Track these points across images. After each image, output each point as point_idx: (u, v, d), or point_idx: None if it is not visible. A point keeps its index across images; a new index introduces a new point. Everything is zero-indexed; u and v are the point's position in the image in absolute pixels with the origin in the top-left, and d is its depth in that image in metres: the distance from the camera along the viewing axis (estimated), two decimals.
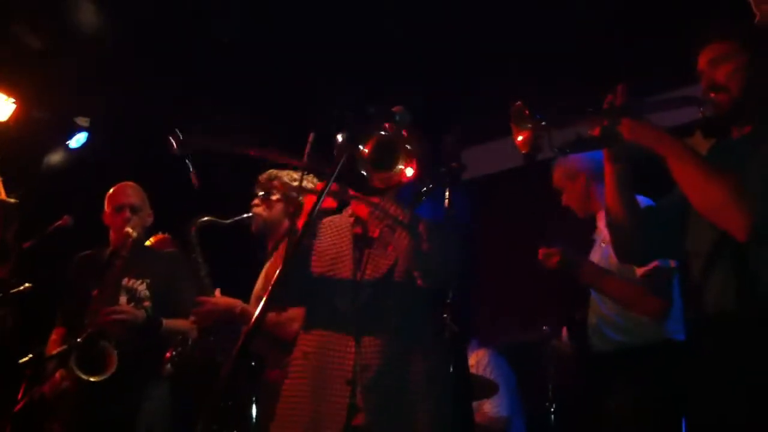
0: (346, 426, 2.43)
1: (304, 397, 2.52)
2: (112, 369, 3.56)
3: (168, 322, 3.76)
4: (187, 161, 3.07)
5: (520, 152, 2.34)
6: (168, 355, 3.65)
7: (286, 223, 3.52)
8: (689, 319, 3.22)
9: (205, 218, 3.66)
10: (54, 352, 3.71)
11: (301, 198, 3.37)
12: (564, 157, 3.42)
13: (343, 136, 2.46)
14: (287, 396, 2.59)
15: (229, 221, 3.66)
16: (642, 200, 2.71)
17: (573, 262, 3.24)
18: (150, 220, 4.10)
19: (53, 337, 3.93)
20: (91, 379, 3.54)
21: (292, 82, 5.29)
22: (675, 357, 3.19)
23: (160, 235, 4.32)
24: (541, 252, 3.25)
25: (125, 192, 4.05)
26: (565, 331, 3.92)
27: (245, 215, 3.63)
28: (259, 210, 3.61)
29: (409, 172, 2.48)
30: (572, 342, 3.83)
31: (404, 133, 2.52)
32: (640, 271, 3.18)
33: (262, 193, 3.60)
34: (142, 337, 3.72)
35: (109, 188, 4.12)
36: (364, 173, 2.47)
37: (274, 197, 3.59)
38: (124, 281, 3.90)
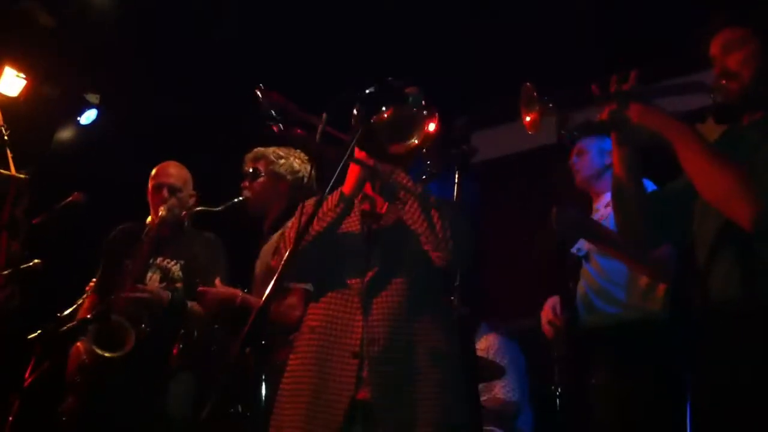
0: (352, 399, 2.44)
1: (309, 371, 2.52)
2: (130, 346, 3.57)
3: (194, 305, 3.71)
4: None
5: (528, 133, 2.35)
6: (175, 351, 3.64)
7: (278, 202, 3.49)
8: (695, 307, 3.22)
9: (198, 208, 3.64)
10: (65, 327, 3.72)
11: (289, 176, 3.39)
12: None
13: (358, 108, 2.47)
14: (292, 370, 2.60)
15: (221, 207, 3.63)
16: (647, 185, 2.72)
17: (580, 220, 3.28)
18: (192, 201, 4.01)
19: (85, 304, 3.95)
20: (107, 355, 3.55)
21: (303, 60, 5.28)
22: (668, 334, 3.20)
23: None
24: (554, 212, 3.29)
25: (166, 171, 3.99)
26: (557, 300, 3.77)
27: (236, 199, 3.59)
28: (249, 192, 3.57)
29: (432, 126, 2.52)
30: (564, 313, 3.76)
31: (423, 109, 2.55)
32: None
33: (251, 172, 3.57)
34: (168, 318, 3.71)
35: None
36: (381, 139, 2.49)
37: (261, 177, 3.55)
38: (159, 260, 3.89)
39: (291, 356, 2.64)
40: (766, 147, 2.10)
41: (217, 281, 3.41)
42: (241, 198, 3.58)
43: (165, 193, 3.91)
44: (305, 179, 3.53)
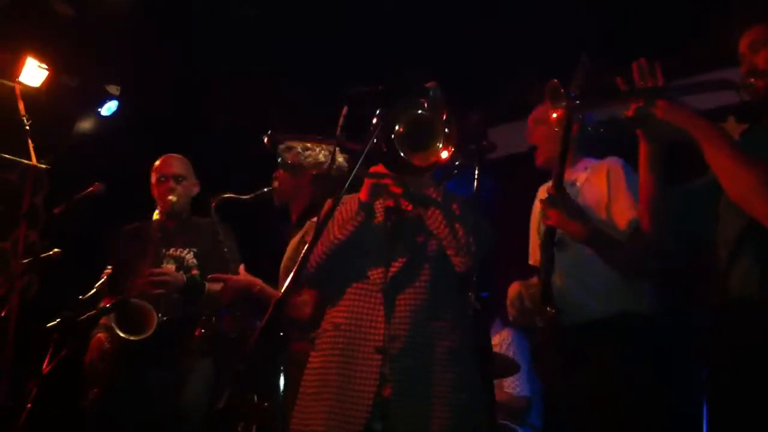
0: (376, 395, 2.45)
1: (334, 369, 2.54)
2: (152, 329, 3.61)
3: (211, 286, 3.74)
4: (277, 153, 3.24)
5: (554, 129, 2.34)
6: (197, 333, 3.66)
7: (303, 194, 3.50)
8: (714, 305, 3.16)
9: (225, 195, 3.67)
10: (84, 316, 3.75)
11: (315, 171, 3.38)
12: None
13: (377, 116, 2.42)
14: (316, 368, 2.61)
15: (249, 196, 3.63)
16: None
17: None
18: (196, 189, 4.13)
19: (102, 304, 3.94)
20: (131, 338, 3.58)
21: (322, 52, 5.28)
22: (653, 332, 3.04)
23: None
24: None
25: (169, 162, 4.11)
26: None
27: (265, 189, 3.60)
28: (278, 183, 3.57)
29: (445, 154, 2.49)
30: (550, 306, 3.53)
31: (441, 111, 2.52)
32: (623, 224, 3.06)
33: (280, 163, 3.56)
34: (187, 302, 3.76)
35: (140, 156, 4.15)
36: (402, 153, 2.47)
37: (288, 168, 3.53)
38: (171, 250, 3.95)
39: (313, 354, 2.65)
40: None
41: (242, 269, 3.43)
42: (269, 188, 3.60)
43: (171, 182, 4.01)
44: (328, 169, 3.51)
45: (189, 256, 3.94)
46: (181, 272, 3.84)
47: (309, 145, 3.49)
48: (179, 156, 4.17)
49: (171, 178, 4.03)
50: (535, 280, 3.14)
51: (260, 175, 3.71)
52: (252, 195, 3.64)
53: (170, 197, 3.96)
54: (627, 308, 2.94)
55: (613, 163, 3.03)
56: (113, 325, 3.61)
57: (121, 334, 3.59)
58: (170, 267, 3.88)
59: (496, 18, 4.93)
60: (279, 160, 3.54)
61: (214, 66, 5.47)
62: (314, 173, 3.48)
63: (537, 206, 3.24)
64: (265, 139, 2.87)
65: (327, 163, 3.42)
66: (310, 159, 3.50)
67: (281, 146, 3.55)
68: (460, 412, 2.50)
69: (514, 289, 3.26)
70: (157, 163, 4.13)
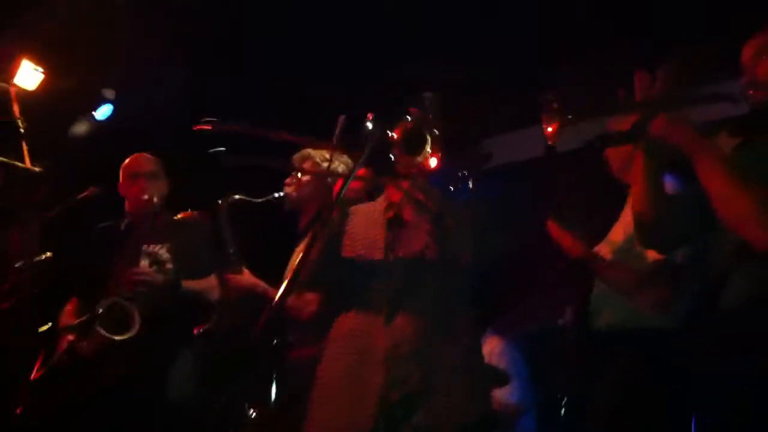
0: (380, 403, 2.47)
1: (338, 379, 2.56)
2: (136, 328, 3.58)
3: (187, 284, 3.78)
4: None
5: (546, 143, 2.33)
6: (196, 330, 3.65)
7: (316, 202, 3.51)
8: (705, 315, 3.18)
9: (236, 196, 3.67)
10: (75, 322, 3.73)
11: (330, 180, 3.39)
12: None
13: (372, 124, 2.48)
14: (321, 379, 2.63)
15: (260, 200, 3.66)
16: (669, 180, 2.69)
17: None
18: (164, 188, 4.12)
19: (68, 308, 3.96)
20: (116, 338, 3.55)
21: (321, 61, 5.27)
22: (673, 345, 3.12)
23: (187, 213, 4.32)
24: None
25: (139, 161, 4.11)
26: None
27: (276, 194, 3.63)
28: (290, 189, 3.61)
29: (433, 162, 2.51)
30: (576, 322, 3.70)
31: (431, 119, 2.54)
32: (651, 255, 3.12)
33: (296, 171, 3.59)
34: (164, 300, 3.75)
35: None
36: (392, 158, 2.50)
37: (305, 177, 3.58)
38: (144, 246, 3.93)
39: (318, 367, 2.67)
40: None
41: (245, 271, 3.46)
42: (281, 194, 3.62)
43: (143, 181, 4.00)
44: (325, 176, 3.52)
45: (162, 251, 3.92)
46: (160, 273, 3.82)
47: (327, 155, 3.49)
48: (148, 155, 4.16)
49: (143, 176, 4.02)
50: None
51: (261, 180, 3.71)
52: (263, 199, 3.65)
53: (144, 196, 3.94)
54: (652, 322, 3.06)
55: None
56: (98, 327, 3.58)
57: (107, 335, 3.55)
58: (144, 263, 3.87)
59: (494, 26, 4.94)
60: (294, 170, 3.57)
61: (210, 72, 5.45)
62: (330, 182, 3.49)
63: None
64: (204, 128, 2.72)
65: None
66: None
67: (298, 155, 3.57)
68: (467, 419, 2.51)
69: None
70: (127, 162, 4.13)
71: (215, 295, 3.77)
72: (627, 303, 3.21)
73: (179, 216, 4.20)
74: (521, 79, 4.77)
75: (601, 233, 3.49)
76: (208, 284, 3.84)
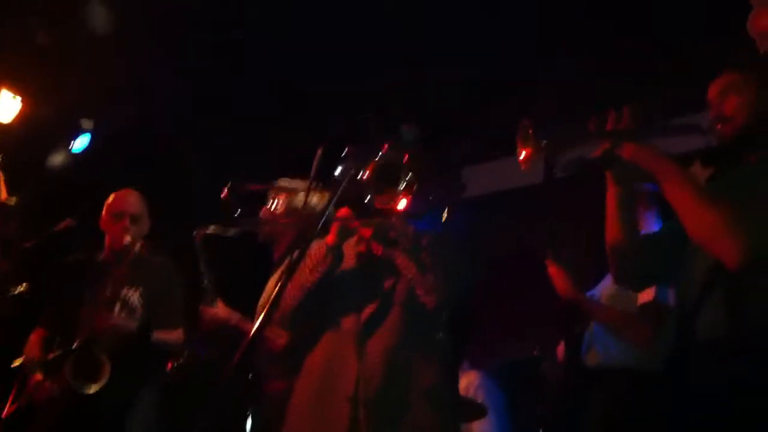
0: None
1: (304, 415, 2.54)
2: (105, 379, 3.53)
3: (157, 335, 3.74)
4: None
5: (522, 170, 2.35)
6: (169, 366, 3.62)
7: (290, 234, 3.51)
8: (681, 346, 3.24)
9: (211, 227, 3.65)
10: (43, 358, 3.69)
11: (304, 211, 3.39)
12: None
13: (342, 166, 2.48)
14: (289, 413, 2.61)
15: (234, 232, 3.61)
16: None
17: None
18: (146, 228, 4.04)
19: (33, 338, 3.86)
20: (85, 391, 3.50)
21: (301, 89, 5.29)
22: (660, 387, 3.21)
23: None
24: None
25: (126, 200, 3.99)
26: (562, 347, 3.84)
27: (250, 225, 3.57)
28: (265, 222, 3.56)
29: (402, 204, 2.52)
30: (568, 357, 3.77)
31: (406, 155, 2.55)
32: (641, 299, 3.24)
33: (271, 202, 3.57)
34: (133, 348, 3.70)
35: (111, 192, 4.09)
36: (368, 196, 2.50)
37: (280, 208, 3.56)
38: (117, 289, 3.83)
39: (289, 402, 2.65)
40: (758, 188, 2.11)
41: (219, 303, 3.43)
42: (254, 224, 3.57)
43: (126, 222, 3.91)
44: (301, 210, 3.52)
45: (135, 296, 3.86)
46: (133, 321, 3.78)
47: (301, 190, 3.48)
48: (135, 193, 4.06)
49: (127, 217, 3.92)
50: None
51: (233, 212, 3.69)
52: (237, 230, 3.61)
53: (126, 238, 3.86)
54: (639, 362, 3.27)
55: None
56: (68, 374, 3.52)
57: (77, 385, 3.51)
58: (116, 309, 3.79)
59: (474, 55, 4.97)
60: (271, 199, 3.55)
61: (191, 101, 5.46)
62: (305, 214, 3.48)
63: None
64: (225, 191, 2.86)
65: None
66: (302, 201, 3.51)
67: (273, 186, 3.57)
68: None
69: None
70: (111, 199, 4.01)
71: (182, 348, 3.74)
72: (616, 342, 3.30)
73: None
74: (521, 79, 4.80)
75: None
76: (178, 337, 3.80)
